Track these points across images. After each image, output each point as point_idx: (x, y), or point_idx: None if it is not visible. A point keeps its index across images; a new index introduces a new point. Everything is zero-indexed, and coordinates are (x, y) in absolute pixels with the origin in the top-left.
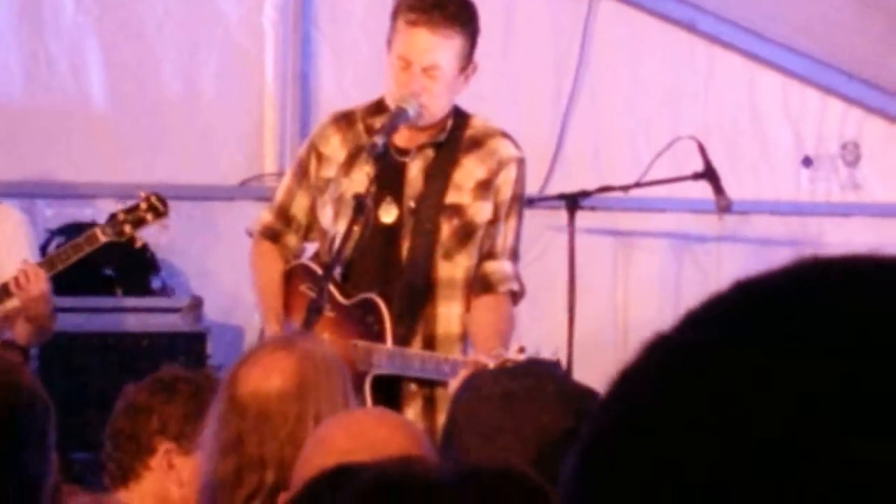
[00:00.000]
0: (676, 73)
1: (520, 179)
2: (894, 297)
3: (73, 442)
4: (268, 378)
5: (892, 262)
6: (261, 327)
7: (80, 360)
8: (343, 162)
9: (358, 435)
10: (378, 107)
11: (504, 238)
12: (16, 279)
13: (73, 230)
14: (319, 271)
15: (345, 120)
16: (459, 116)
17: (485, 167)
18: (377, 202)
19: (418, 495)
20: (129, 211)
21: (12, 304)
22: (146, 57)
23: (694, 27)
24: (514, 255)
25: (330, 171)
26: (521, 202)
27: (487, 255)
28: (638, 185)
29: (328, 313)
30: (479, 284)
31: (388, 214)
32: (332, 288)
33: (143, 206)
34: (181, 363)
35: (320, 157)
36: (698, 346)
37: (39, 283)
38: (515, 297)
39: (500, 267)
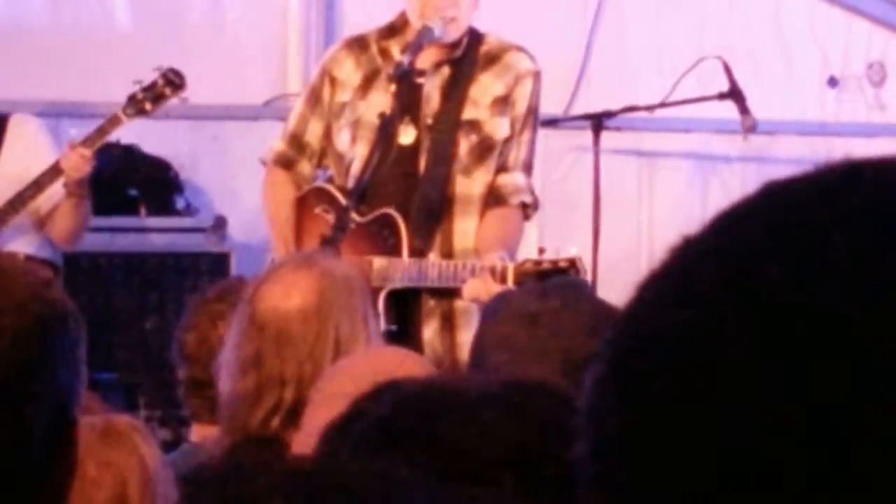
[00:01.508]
0: None
1: (535, 93)
2: None
3: (98, 361)
4: (288, 296)
5: None
6: (272, 256)
7: (103, 279)
8: (358, 86)
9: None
10: (391, 29)
11: (517, 151)
12: (64, 158)
13: (98, 149)
14: (336, 193)
15: (357, 44)
16: (474, 34)
17: (502, 83)
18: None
19: (457, 404)
20: (147, 89)
21: (57, 190)
22: None
23: None
24: (528, 168)
25: (345, 96)
26: (536, 116)
27: (501, 168)
28: (663, 105)
29: None
30: (492, 197)
31: (406, 136)
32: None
33: (161, 81)
34: (205, 284)
35: (334, 82)
36: (722, 251)
37: (88, 160)
38: (527, 209)
39: (511, 179)
